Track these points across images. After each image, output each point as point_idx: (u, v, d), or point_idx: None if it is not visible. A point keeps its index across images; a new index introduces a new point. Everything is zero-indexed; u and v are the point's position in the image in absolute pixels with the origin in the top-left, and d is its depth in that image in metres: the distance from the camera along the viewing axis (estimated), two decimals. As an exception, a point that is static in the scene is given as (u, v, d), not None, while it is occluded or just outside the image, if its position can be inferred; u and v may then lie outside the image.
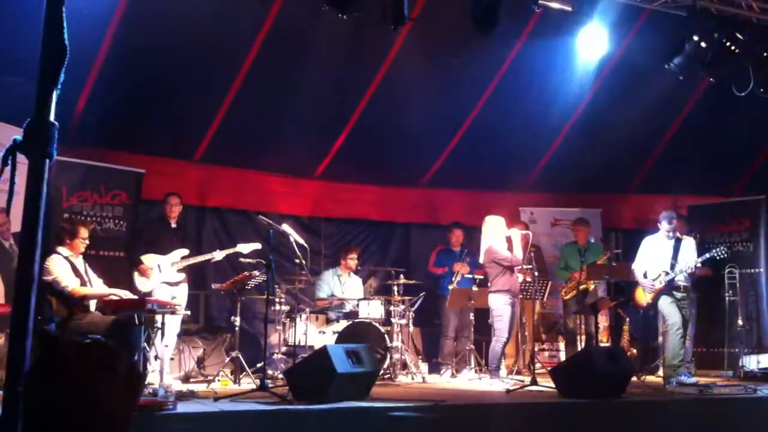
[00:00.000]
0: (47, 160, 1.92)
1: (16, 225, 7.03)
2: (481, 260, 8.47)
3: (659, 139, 11.08)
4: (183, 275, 8.02)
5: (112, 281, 7.25)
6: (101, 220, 8.65)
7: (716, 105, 10.01)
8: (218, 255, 8.04)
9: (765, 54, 8.68)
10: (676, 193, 10.95)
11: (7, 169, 1.93)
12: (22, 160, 1.97)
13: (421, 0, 8.75)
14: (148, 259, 7.85)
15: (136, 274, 7.82)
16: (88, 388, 2.62)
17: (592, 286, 9.42)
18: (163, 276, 7.87)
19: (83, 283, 6.72)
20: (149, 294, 7.63)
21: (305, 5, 8.39)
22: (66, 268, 6.63)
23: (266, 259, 7.14)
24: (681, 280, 8.09)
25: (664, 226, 8.25)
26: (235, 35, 8.71)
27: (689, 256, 8.11)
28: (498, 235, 8.35)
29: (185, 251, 8.01)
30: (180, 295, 7.93)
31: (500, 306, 8.16)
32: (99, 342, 2.97)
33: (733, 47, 8.53)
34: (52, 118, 1.99)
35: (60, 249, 6.74)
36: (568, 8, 8.31)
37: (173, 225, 8.19)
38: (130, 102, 8.54)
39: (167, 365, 7.51)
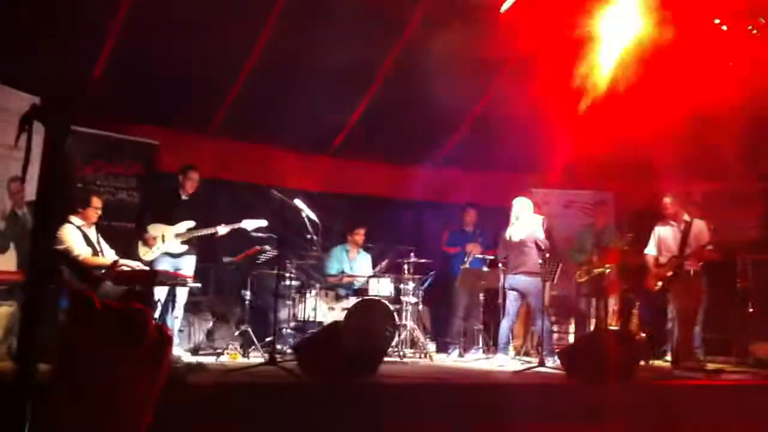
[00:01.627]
0: (64, 130, 1.92)
1: (31, 193, 7.06)
2: (517, 238, 8.42)
3: (673, 125, 10.95)
4: (187, 247, 7.87)
5: (123, 252, 7.28)
6: (114, 190, 8.67)
7: (732, 90, 9.88)
8: (222, 230, 7.89)
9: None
10: (690, 179, 10.85)
11: (24, 136, 1.94)
12: (38, 128, 1.98)
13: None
14: (154, 229, 7.73)
15: (140, 243, 7.68)
16: (111, 359, 2.66)
17: (608, 270, 9.40)
18: (166, 246, 7.74)
19: (95, 253, 6.75)
20: (151, 264, 7.53)
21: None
22: (78, 237, 6.66)
23: (278, 234, 7.14)
24: (690, 264, 8.04)
25: (667, 210, 8.20)
26: (251, 9, 8.67)
27: (700, 239, 8.05)
28: (535, 218, 8.46)
29: (191, 223, 7.89)
30: (185, 267, 7.79)
31: (538, 286, 8.25)
32: (130, 308, 2.99)
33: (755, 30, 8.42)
34: (70, 88, 1.99)
35: (72, 218, 6.77)
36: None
37: (184, 197, 8.05)
38: (146, 74, 8.52)
39: (176, 337, 7.56)
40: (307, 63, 9.18)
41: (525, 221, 8.47)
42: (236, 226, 7.97)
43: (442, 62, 9.58)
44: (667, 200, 8.26)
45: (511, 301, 8.40)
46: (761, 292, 9.56)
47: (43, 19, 6.59)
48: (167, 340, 2.89)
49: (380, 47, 9.64)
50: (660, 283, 8.17)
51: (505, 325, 8.29)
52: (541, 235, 8.39)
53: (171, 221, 7.81)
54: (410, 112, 10.18)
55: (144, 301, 6.42)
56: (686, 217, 8.14)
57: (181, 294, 7.63)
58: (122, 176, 8.77)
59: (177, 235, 7.78)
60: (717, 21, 8.36)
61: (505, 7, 8.12)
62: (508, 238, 8.51)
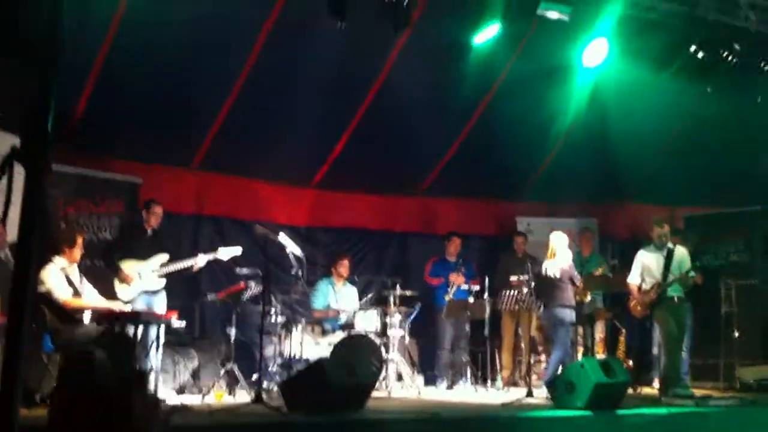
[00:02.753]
0: (45, 171, 1.91)
1: (11, 235, 6.99)
2: (552, 273, 8.50)
3: (655, 148, 11.08)
4: (163, 282, 7.76)
5: (106, 291, 7.21)
6: (97, 229, 8.61)
7: (712, 115, 10.01)
8: (200, 260, 7.82)
9: (762, 64, 8.71)
10: (672, 203, 10.94)
11: (4, 177, 1.92)
12: (19, 169, 1.96)
13: (420, 5, 8.76)
14: (128, 266, 7.58)
15: (116, 282, 7.54)
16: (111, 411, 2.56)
17: (588, 298, 9.41)
18: (144, 284, 7.63)
19: (77, 294, 6.69)
20: (129, 302, 7.39)
21: (303, 12, 8.41)
22: (60, 278, 6.60)
23: (262, 270, 7.10)
24: (675, 291, 8.06)
25: (655, 233, 8.24)
26: (233, 44, 8.70)
27: (682, 265, 8.08)
28: (568, 253, 8.61)
29: (165, 256, 7.76)
30: (158, 305, 7.67)
31: (569, 319, 8.36)
32: (127, 366, 2.95)
33: (730, 58, 8.54)
34: (49, 127, 1.98)
35: (55, 259, 6.72)
36: (566, 18, 8.33)
37: (149, 232, 7.93)
38: (128, 110, 8.51)
39: (158, 376, 7.45)
40: (289, 96, 9.21)
41: (563, 256, 8.53)
42: (213, 255, 7.90)
43: (423, 93, 9.67)
44: (655, 225, 8.30)
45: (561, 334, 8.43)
46: (746, 317, 9.59)
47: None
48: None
49: (362, 78, 9.69)
50: (645, 310, 8.18)
51: (562, 357, 8.28)
52: (575, 271, 8.56)
53: (141, 257, 7.67)
54: (393, 143, 10.22)
55: (124, 342, 6.35)
56: (669, 244, 8.17)
57: (161, 333, 7.53)
58: (105, 215, 8.71)
59: (153, 271, 7.67)
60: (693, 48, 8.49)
61: (479, 38, 8.22)
62: (544, 272, 8.57)
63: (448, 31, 9.00)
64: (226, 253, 7.93)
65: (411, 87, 9.47)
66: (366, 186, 10.89)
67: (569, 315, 8.37)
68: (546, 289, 8.43)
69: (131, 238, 7.89)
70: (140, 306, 7.41)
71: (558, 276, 8.42)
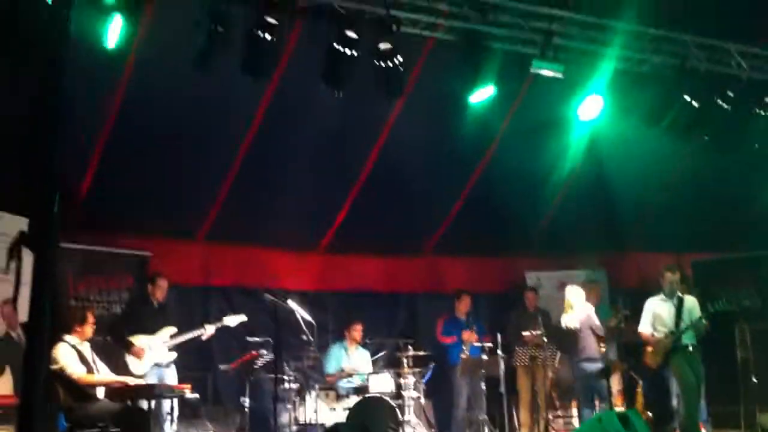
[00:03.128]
0: (53, 253, 1.96)
1: (23, 315, 7.04)
2: (572, 325, 8.73)
3: (656, 196, 11.12)
4: (174, 355, 7.76)
5: (118, 367, 7.21)
6: (108, 305, 8.64)
7: (714, 162, 10.07)
8: (208, 330, 7.85)
9: (756, 110, 8.80)
10: (679, 249, 10.92)
11: (13, 261, 1.98)
12: (28, 252, 2.02)
13: (414, 73, 8.92)
14: (138, 341, 7.58)
15: (128, 358, 7.53)
16: None
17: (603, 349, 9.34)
18: (155, 357, 7.61)
19: (90, 371, 6.68)
20: (142, 377, 7.36)
21: (301, 83, 8.56)
22: (73, 356, 6.61)
23: (273, 337, 7.11)
24: (689, 339, 8.00)
25: (666, 279, 8.20)
26: (234, 115, 8.85)
27: (693, 313, 8.04)
28: (588, 306, 8.84)
29: (173, 329, 7.79)
30: (169, 377, 7.66)
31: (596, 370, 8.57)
32: None
33: (725, 105, 8.63)
34: (56, 210, 2.04)
35: (67, 337, 6.73)
36: (560, 75, 8.45)
37: (155, 305, 7.96)
38: (132, 186, 8.63)
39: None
40: (292, 163, 9.32)
41: (580, 308, 8.70)
42: (219, 325, 7.93)
43: (424, 153, 9.78)
44: (666, 272, 8.28)
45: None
46: (763, 362, 9.48)
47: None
48: None
49: (363, 142, 9.81)
50: (660, 360, 8.11)
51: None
52: (596, 322, 8.71)
53: (148, 331, 7.68)
54: (397, 204, 10.29)
55: (139, 416, 6.33)
56: (679, 293, 8.15)
57: (175, 405, 7.50)
58: (115, 290, 8.75)
59: (164, 343, 7.68)
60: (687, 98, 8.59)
61: (475, 98, 8.37)
62: (564, 327, 8.74)
63: (444, 92, 9.14)
64: (231, 320, 7.98)
65: (411, 148, 9.59)
66: (373, 248, 10.92)
67: (595, 367, 8.38)
68: (568, 343, 8.48)
69: (138, 313, 7.91)
70: (152, 379, 7.39)
71: (578, 327, 8.46)
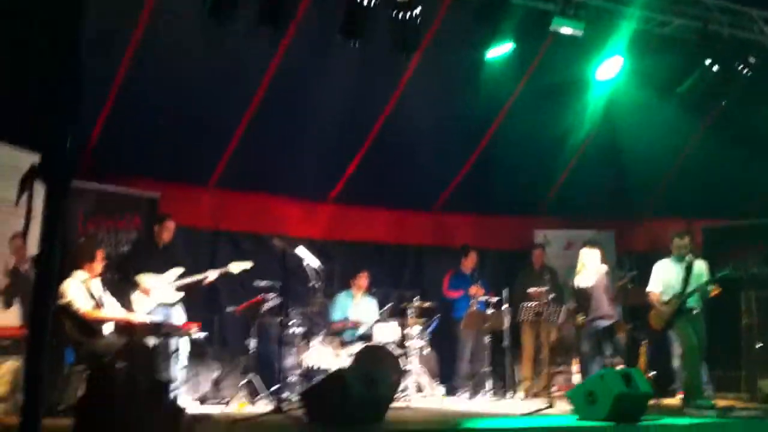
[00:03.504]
0: (64, 188, 1.95)
1: (32, 248, 7.09)
2: (585, 285, 8.80)
3: (673, 161, 11.05)
4: (180, 295, 7.81)
5: (127, 305, 7.28)
6: (117, 245, 8.68)
7: (730, 127, 9.99)
8: (211, 275, 7.88)
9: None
10: (690, 215, 10.88)
11: (25, 195, 1.97)
12: (39, 186, 2.00)
13: (432, 28, 8.81)
14: (143, 280, 7.62)
15: (134, 296, 7.58)
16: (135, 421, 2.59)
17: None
18: (161, 297, 7.67)
19: (97, 307, 6.75)
20: (148, 315, 7.41)
21: (318, 32, 8.48)
22: (81, 291, 6.67)
23: (281, 282, 7.15)
24: (694, 302, 8.03)
25: (674, 245, 8.20)
26: (249, 62, 8.80)
27: (701, 278, 8.06)
28: (601, 266, 8.89)
29: (180, 270, 7.82)
30: (176, 317, 7.71)
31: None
32: (149, 376, 3.01)
33: (745, 70, 8.51)
34: (69, 146, 2.02)
35: (76, 273, 6.79)
36: (579, 33, 8.34)
37: (161, 246, 7.97)
38: (146, 128, 8.61)
39: (182, 388, 7.50)
40: (305, 113, 9.28)
41: (593, 268, 8.79)
42: (223, 270, 7.95)
43: (438, 110, 9.71)
44: (676, 237, 8.27)
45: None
46: (767, 329, 9.50)
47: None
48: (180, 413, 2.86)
49: (378, 93, 9.75)
50: (664, 322, 8.14)
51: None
52: (608, 283, 8.80)
53: (154, 271, 7.71)
54: (410, 158, 10.26)
55: (146, 354, 6.40)
56: (688, 257, 8.15)
57: (184, 344, 7.58)
58: (124, 230, 8.78)
59: (170, 283, 7.72)
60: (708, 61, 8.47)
61: (492, 53, 8.27)
62: (576, 287, 8.87)
63: (461, 49, 9.05)
64: (235, 267, 7.99)
65: (425, 104, 9.53)
66: (382, 201, 10.93)
67: (606, 323, 8.58)
68: (582, 302, 8.53)
69: (144, 253, 7.95)
70: (159, 318, 7.45)
71: (591, 285, 8.51)
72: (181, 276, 7.80)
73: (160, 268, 7.74)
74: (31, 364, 1.92)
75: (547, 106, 10.01)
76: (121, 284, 7.62)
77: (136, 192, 9.00)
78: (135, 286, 7.56)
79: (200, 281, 7.89)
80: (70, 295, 6.56)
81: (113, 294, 7.24)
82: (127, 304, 7.38)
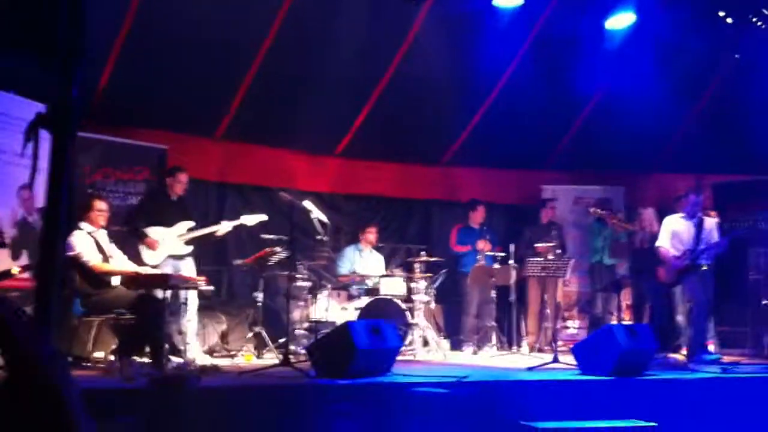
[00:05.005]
0: (71, 137, 1.92)
1: (40, 200, 7.09)
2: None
3: (683, 116, 10.95)
4: (191, 248, 7.74)
5: (134, 256, 7.29)
6: (124, 195, 8.68)
7: (742, 83, 9.87)
8: (223, 227, 7.79)
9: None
10: (700, 171, 10.82)
11: (30, 144, 1.94)
12: (45, 135, 1.98)
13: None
14: (153, 232, 7.55)
15: (142, 248, 7.52)
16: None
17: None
18: (169, 249, 7.60)
19: (105, 259, 6.77)
20: (156, 268, 7.38)
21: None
22: (89, 243, 6.68)
23: (288, 236, 7.15)
24: (704, 259, 8.03)
25: (690, 200, 8.17)
26: (257, 14, 8.70)
27: (712, 235, 8.05)
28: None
29: (191, 223, 7.74)
30: (186, 270, 7.64)
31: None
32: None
33: (760, 23, 8.38)
34: (75, 94, 1.99)
35: (83, 224, 6.79)
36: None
37: (173, 198, 7.86)
38: (153, 79, 8.56)
39: (194, 340, 7.56)
40: (314, 64, 9.19)
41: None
42: (236, 222, 7.85)
43: (447, 62, 9.60)
44: (699, 193, 8.24)
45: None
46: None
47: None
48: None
49: (386, 47, 9.65)
50: (674, 277, 8.15)
51: None
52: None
53: (165, 223, 7.65)
54: (417, 112, 10.20)
55: (156, 306, 6.43)
56: (699, 214, 8.14)
57: (193, 297, 7.60)
58: (132, 181, 8.76)
59: (179, 236, 7.68)
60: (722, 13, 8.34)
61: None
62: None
63: (470, 1, 8.93)
64: (249, 219, 7.89)
65: (434, 57, 9.44)
66: (389, 154, 10.88)
67: None
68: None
69: (156, 205, 7.86)
70: (167, 271, 7.40)
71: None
72: (192, 229, 7.77)
73: (172, 221, 7.70)
74: (39, 315, 1.91)
75: (556, 59, 9.89)
76: (130, 236, 7.61)
77: (144, 143, 8.97)
78: (142, 237, 7.54)
79: (212, 233, 7.84)
80: (79, 248, 6.57)
81: (122, 246, 7.25)
82: (136, 256, 7.38)
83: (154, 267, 7.36)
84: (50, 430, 1.16)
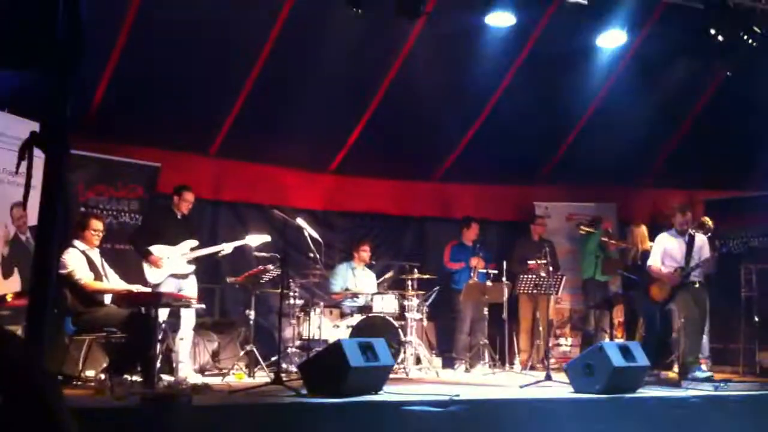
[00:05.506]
0: (63, 155, 1.93)
1: (33, 218, 7.08)
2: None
3: (675, 132, 11.01)
4: (193, 267, 7.79)
5: (127, 274, 7.27)
6: (117, 213, 8.67)
7: (732, 98, 9.93)
8: (227, 248, 7.86)
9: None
10: (692, 187, 10.87)
11: (24, 162, 1.95)
12: (38, 154, 1.99)
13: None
14: (157, 250, 7.59)
15: (145, 265, 7.56)
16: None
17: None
18: (173, 267, 7.62)
19: (98, 277, 6.75)
20: (158, 286, 7.44)
21: (319, 1, 8.40)
22: (81, 261, 6.67)
23: (281, 253, 7.15)
24: (695, 276, 8.06)
25: (677, 219, 8.22)
26: (250, 31, 8.73)
27: (703, 252, 8.09)
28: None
29: (194, 242, 7.80)
30: (188, 288, 7.69)
31: None
32: None
33: (750, 40, 8.45)
34: (68, 113, 2.00)
35: (76, 242, 6.78)
36: (584, 1, 8.27)
37: (179, 217, 7.91)
38: (146, 97, 8.58)
39: (186, 358, 7.53)
40: (307, 82, 9.21)
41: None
42: (241, 242, 7.91)
43: (440, 78, 9.64)
44: (678, 212, 8.28)
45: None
46: (766, 302, 9.52)
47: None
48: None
49: (379, 64, 9.68)
50: (667, 294, 8.17)
51: None
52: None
53: (170, 242, 7.68)
54: (411, 128, 10.23)
55: (147, 324, 6.41)
56: (690, 231, 8.17)
57: (188, 316, 7.59)
58: (125, 199, 8.76)
59: (183, 255, 7.70)
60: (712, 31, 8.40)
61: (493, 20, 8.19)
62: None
63: (463, 17, 8.97)
64: (253, 240, 7.92)
65: (427, 72, 9.46)
66: (383, 171, 10.90)
67: None
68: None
69: (161, 223, 7.88)
70: (169, 289, 7.41)
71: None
72: (195, 248, 7.78)
73: (177, 239, 7.71)
74: (31, 333, 1.91)
75: (550, 75, 9.94)
76: (127, 254, 7.61)
77: (137, 161, 8.97)
78: (146, 255, 7.53)
79: (216, 253, 7.87)
80: (71, 266, 6.56)
81: (119, 263, 7.23)
82: (134, 274, 7.37)
83: (155, 285, 7.36)
84: None
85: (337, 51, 8.91)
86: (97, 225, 6.93)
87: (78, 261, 6.63)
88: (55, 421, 1.22)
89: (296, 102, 9.41)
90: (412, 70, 9.59)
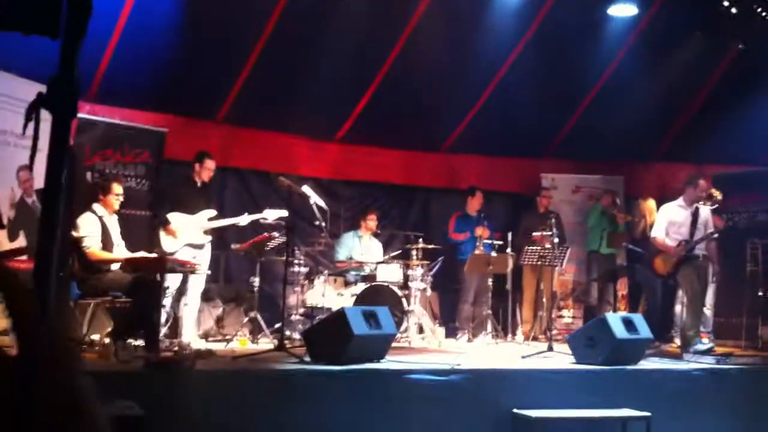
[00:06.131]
0: (71, 117, 1.92)
1: (39, 181, 7.07)
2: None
3: (684, 107, 10.94)
4: (209, 238, 7.81)
5: (134, 240, 7.27)
6: (123, 178, 8.65)
7: (744, 73, 9.86)
8: (244, 220, 7.85)
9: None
10: (700, 161, 10.82)
11: (31, 124, 1.94)
12: (45, 116, 1.97)
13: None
14: (175, 219, 7.59)
15: (162, 234, 7.58)
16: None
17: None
18: (189, 237, 7.65)
19: (108, 246, 6.69)
20: (173, 254, 7.43)
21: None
22: (95, 227, 6.61)
23: (286, 221, 7.15)
24: (699, 249, 8.05)
25: (690, 192, 8.17)
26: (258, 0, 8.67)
27: (708, 225, 8.07)
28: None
29: (213, 212, 7.80)
30: (202, 258, 7.70)
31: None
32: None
33: (765, 13, 8.36)
34: (76, 74, 1.98)
35: (96, 206, 6.73)
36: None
37: (199, 185, 7.92)
38: (154, 61, 8.53)
39: (192, 325, 7.57)
40: (316, 50, 9.16)
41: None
42: (258, 216, 7.89)
43: (449, 49, 9.58)
44: (689, 184, 8.25)
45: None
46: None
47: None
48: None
49: (388, 33, 9.62)
50: (671, 267, 8.17)
51: None
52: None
53: (189, 210, 7.69)
54: (418, 99, 10.18)
55: (152, 290, 6.43)
56: (696, 204, 8.15)
57: (196, 282, 7.60)
58: (131, 164, 8.72)
59: (200, 225, 7.70)
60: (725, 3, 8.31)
61: None
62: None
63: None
64: (271, 214, 7.87)
65: (436, 44, 9.42)
66: (390, 141, 10.87)
67: None
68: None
69: (180, 191, 7.88)
70: (187, 258, 7.38)
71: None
72: (213, 218, 7.77)
73: (195, 207, 7.71)
74: (38, 298, 1.91)
75: (557, 49, 9.87)
76: (136, 220, 7.61)
77: (144, 126, 8.94)
78: (164, 223, 7.52)
79: (233, 225, 7.88)
80: (84, 231, 6.52)
81: (132, 230, 7.21)
82: (147, 241, 7.37)
83: (171, 254, 7.36)
84: (66, 410, 1.16)
85: (347, 20, 8.85)
86: (118, 189, 6.88)
87: (91, 227, 6.57)
88: (74, 382, 1.23)
89: (304, 70, 9.37)
90: (420, 40, 9.53)
